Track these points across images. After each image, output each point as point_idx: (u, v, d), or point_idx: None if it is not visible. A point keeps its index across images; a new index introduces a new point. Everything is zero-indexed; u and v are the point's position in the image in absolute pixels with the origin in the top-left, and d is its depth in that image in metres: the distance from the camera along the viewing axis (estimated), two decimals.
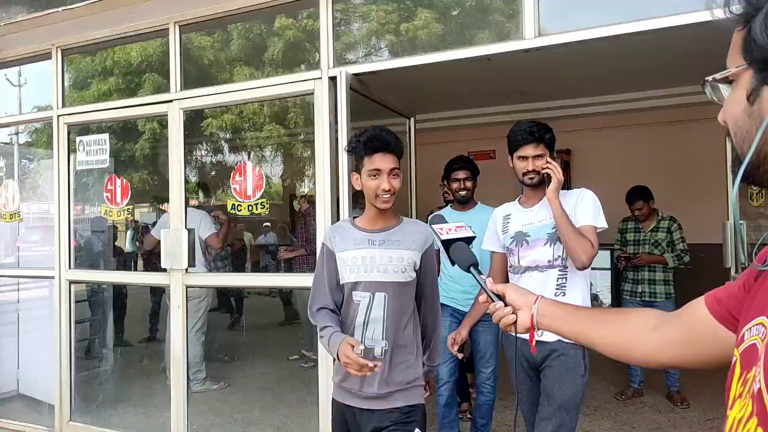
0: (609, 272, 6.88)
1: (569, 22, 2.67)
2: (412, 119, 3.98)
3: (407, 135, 3.79)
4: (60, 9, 3.43)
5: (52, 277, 3.96)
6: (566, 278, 2.30)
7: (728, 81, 0.76)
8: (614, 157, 7.37)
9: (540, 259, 2.31)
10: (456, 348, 2.55)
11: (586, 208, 2.30)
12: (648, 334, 1.01)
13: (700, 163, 6.24)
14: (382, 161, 1.92)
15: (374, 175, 1.93)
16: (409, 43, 3.21)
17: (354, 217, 2.14)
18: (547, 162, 2.33)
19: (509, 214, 2.47)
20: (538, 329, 1.15)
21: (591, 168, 7.70)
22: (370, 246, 1.99)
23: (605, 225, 2.32)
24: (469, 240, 1.39)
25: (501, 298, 1.21)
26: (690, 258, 4.36)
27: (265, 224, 8.83)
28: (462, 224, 1.43)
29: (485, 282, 1.26)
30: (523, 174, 2.35)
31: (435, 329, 2.15)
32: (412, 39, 3.19)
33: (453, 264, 1.37)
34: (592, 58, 4.85)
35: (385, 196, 1.93)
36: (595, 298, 6.94)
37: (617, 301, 6.69)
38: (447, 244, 1.36)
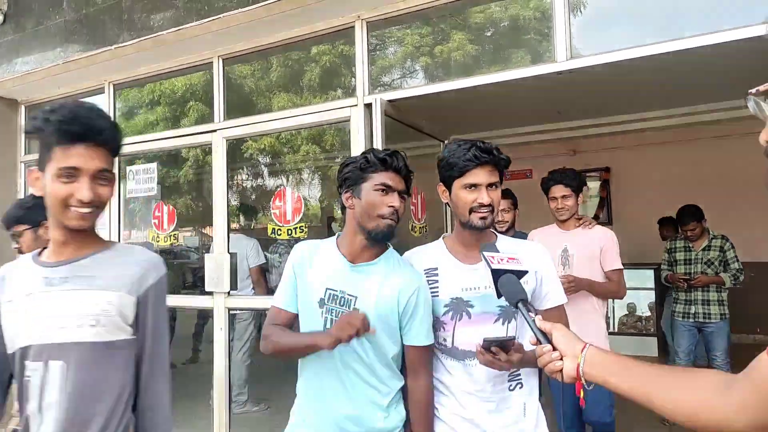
0: (653, 292, 6.70)
1: (602, 41, 2.67)
2: (446, 142, 4.02)
3: None
4: (112, 47, 3.65)
5: None
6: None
7: None
8: (655, 175, 7.23)
9: None
10: None
11: (555, 279, 1.75)
12: (717, 398, 0.89)
13: (746, 179, 6.05)
14: (83, 156, 1.26)
15: (69, 176, 1.25)
16: (443, 66, 3.27)
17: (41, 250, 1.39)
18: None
19: (435, 268, 1.73)
20: (586, 381, 1.05)
21: (631, 186, 7.55)
22: (45, 287, 1.28)
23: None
24: (520, 273, 1.33)
25: (549, 339, 1.13)
26: None
27: None
28: (515, 256, 1.38)
29: (534, 320, 1.18)
30: (472, 210, 1.64)
31: None
32: (446, 61, 3.24)
33: (499, 296, 1.31)
34: (629, 75, 4.81)
35: (83, 210, 1.26)
36: (639, 320, 6.75)
37: (659, 322, 6.49)
38: (497, 274, 1.31)
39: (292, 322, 1.79)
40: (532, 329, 1.16)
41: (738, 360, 4.32)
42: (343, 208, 1.78)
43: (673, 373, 1.00)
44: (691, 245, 4.36)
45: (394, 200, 1.68)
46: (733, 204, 5.95)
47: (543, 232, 3.30)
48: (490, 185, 1.64)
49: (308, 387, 1.78)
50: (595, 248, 3.07)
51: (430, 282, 1.72)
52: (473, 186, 1.64)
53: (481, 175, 1.64)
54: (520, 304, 1.24)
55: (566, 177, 3.15)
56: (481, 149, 1.63)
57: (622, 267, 3.06)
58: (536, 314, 1.20)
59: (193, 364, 6.24)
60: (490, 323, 1.64)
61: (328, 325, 1.69)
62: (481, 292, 1.66)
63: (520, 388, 1.70)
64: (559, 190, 3.16)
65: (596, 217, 7.96)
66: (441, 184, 1.74)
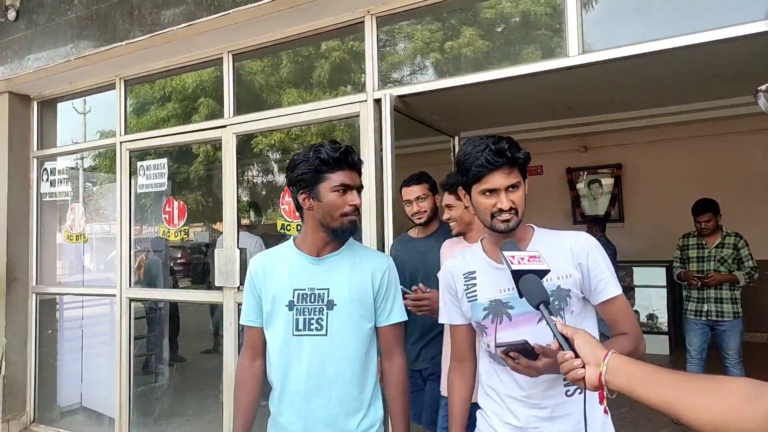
0: (665, 290, 6.64)
1: (614, 37, 2.64)
2: (457, 138, 4.00)
3: (452, 154, 3.81)
4: (123, 43, 3.67)
5: (114, 295, 4.16)
6: None
7: None
8: (667, 171, 7.16)
9: None
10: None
11: (606, 269, 1.56)
12: (747, 408, 0.86)
13: (759, 175, 5.99)
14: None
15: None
16: (453, 61, 3.25)
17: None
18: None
19: (473, 272, 1.66)
20: (610, 390, 1.03)
21: (643, 182, 7.49)
22: None
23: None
24: (542, 273, 1.27)
25: (571, 345, 1.10)
26: None
27: None
28: (536, 254, 1.32)
29: (556, 324, 1.14)
30: (493, 216, 1.55)
31: None
32: (457, 57, 3.22)
33: (521, 296, 1.27)
34: (641, 70, 4.76)
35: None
36: (651, 317, 6.70)
37: (674, 320, 6.44)
38: (517, 274, 1.26)
39: (263, 335, 1.82)
40: (553, 334, 1.13)
41: (750, 359, 4.29)
42: (299, 207, 1.76)
43: (699, 381, 0.97)
44: (704, 242, 4.30)
45: (354, 198, 1.71)
46: (746, 201, 5.88)
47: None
48: (509, 187, 1.53)
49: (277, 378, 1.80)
50: None
51: (468, 286, 1.65)
52: (491, 191, 1.54)
53: (497, 180, 1.53)
54: (541, 307, 1.19)
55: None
56: (495, 152, 1.51)
57: None
58: (557, 318, 1.18)
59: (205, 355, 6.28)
60: (532, 324, 1.51)
61: (300, 326, 1.71)
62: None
63: (580, 393, 1.51)
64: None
65: (608, 215, 7.90)
66: (461, 188, 1.65)
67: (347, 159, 1.70)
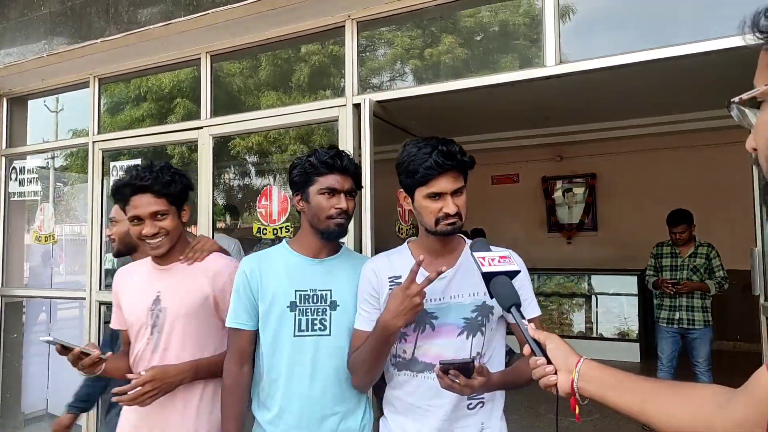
0: (636, 298, 6.76)
1: (591, 48, 2.68)
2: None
3: None
4: (99, 41, 3.59)
5: (83, 298, 4.06)
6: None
7: (756, 103, 0.73)
8: (641, 181, 7.31)
9: (448, 355, 1.53)
10: None
11: (530, 289, 1.63)
12: (716, 414, 0.87)
13: (727, 187, 6.15)
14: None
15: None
16: (432, 68, 3.27)
17: None
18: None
19: (399, 276, 1.60)
20: (581, 397, 1.03)
21: (617, 192, 7.63)
22: None
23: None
24: (512, 274, 1.25)
25: (543, 350, 1.08)
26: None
27: None
28: (507, 254, 1.30)
29: (527, 328, 1.12)
30: (438, 220, 1.52)
31: None
32: (436, 64, 3.24)
33: (491, 298, 1.25)
34: (617, 81, 4.85)
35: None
36: (622, 325, 6.80)
37: (645, 328, 6.56)
38: (488, 276, 1.23)
39: (254, 340, 1.78)
40: (525, 338, 1.11)
41: (718, 367, 4.39)
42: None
43: (670, 387, 0.98)
44: (678, 251, 4.40)
45: (340, 202, 1.72)
46: (716, 212, 6.03)
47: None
48: (455, 192, 1.53)
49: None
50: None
51: (393, 287, 1.58)
52: (438, 195, 1.52)
53: (445, 183, 1.51)
54: (513, 309, 1.17)
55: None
56: (444, 154, 1.49)
57: None
58: (528, 323, 1.13)
59: None
60: (453, 336, 1.55)
61: (303, 327, 1.70)
62: (446, 302, 1.57)
63: (481, 407, 1.60)
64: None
65: (581, 223, 8.02)
66: (402, 191, 1.61)
67: (336, 163, 1.72)
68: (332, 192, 1.72)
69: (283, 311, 1.71)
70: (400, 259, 1.66)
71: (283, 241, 1.86)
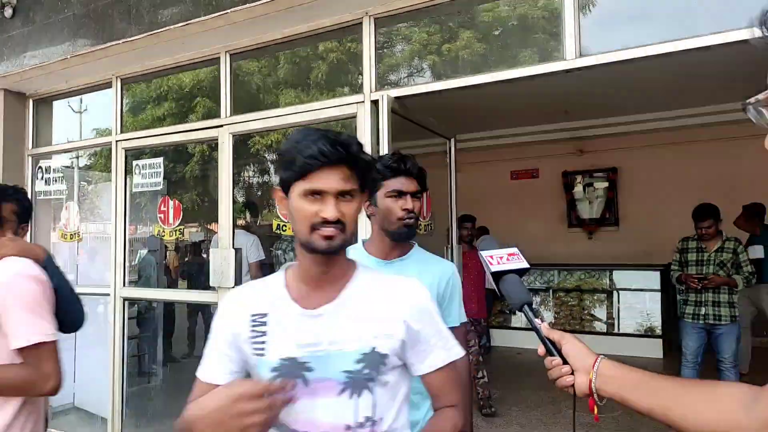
0: (659, 294, 6.66)
1: (611, 41, 2.65)
2: (453, 140, 4.01)
3: (447, 156, 3.82)
4: (121, 41, 3.66)
5: (108, 294, 4.14)
6: None
7: None
8: (662, 175, 7.19)
9: (325, 419, 1.16)
10: None
11: (442, 329, 1.29)
12: (743, 414, 0.84)
13: (750, 181, 6.02)
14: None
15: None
16: (450, 64, 3.26)
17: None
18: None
19: (264, 314, 1.23)
20: (600, 397, 0.99)
21: (639, 186, 7.52)
22: None
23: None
24: (521, 271, 1.20)
25: (558, 349, 1.05)
26: None
27: None
28: (515, 251, 1.23)
29: (540, 327, 1.08)
30: (314, 228, 1.15)
31: None
32: (454, 59, 3.23)
33: (502, 298, 1.20)
34: (637, 74, 4.78)
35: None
36: (645, 320, 6.72)
37: (668, 323, 6.46)
38: (497, 276, 1.19)
39: None
40: (539, 338, 1.07)
41: (753, 363, 4.31)
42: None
43: (693, 386, 0.95)
44: (704, 246, 4.30)
45: (407, 203, 1.81)
46: (739, 206, 5.90)
47: None
48: (342, 194, 1.14)
49: None
50: None
51: (255, 334, 1.20)
52: (317, 194, 1.13)
53: (329, 180, 1.13)
54: (525, 308, 1.14)
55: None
56: (333, 142, 1.12)
57: None
58: (541, 322, 1.09)
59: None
60: (332, 394, 1.15)
61: None
62: (324, 348, 1.16)
63: None
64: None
65: (603, 218, 7.92)
66: (278, 188, 1.23)
67: (401, 166, 1.83)
68: (399, 194, 1.83)
69: None
70: (268, 291, 1.26)
71: (360, 242, 1.99)
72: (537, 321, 1.10)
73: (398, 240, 1.87)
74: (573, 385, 1.02)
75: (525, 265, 1.20)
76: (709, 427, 0.88)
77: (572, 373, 1.03)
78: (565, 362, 1.04)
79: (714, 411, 0.88)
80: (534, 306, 1.11)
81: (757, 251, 5.09)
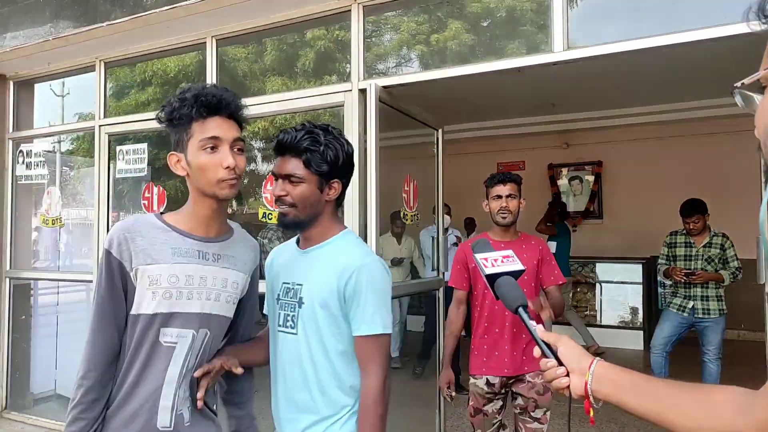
0: (641, 286, 6.75)
1: (599, 34, 2.66)
2: (440, 131, 4.00)
3: (435, 147, 3.82)
4: (104, 24, 3.59)
5: (90, 282, 4.09)
6: None
7: (761, 88, 0.71)
8: (647, 169, 7.26)
9: None
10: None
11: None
12: (741, 420, 0.84)
13: (734, 176, 6.10)
14: (221, 127, 1.38)
15: (212, 147, 1.36)
16: (438, 54, 3.24)
17: (162, 213, 1.52)
18: None
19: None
20: (595, 399, 0.99)
21: (623, 180, 7.59)
22: (200, 260, 1.43)
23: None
24: (517, 274, 1.20)
25: (554, 351, 1.05)
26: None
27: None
28: (510, 254, 1.24)
29: (536, 329, 1.09)
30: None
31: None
32: (442, 50, 3.22)
33: (497, 299, 1.20)
34: (625, 68, 4.81)
35: (231, 179, 1.38)
36: (627, 313, 6.81)
37: (650, 316, 6.56)
38: (492, 278, 1.19)
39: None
40: (535, 340, 1.08)
41: (725, 355, 4.38)
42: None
43: (690, 391, 0.94)
44: (692, 241, 4.33)
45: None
46: (723, 201, 5.97)
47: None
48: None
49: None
50: None
51: None
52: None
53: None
54: (520, 310, 1.13)
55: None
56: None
57: None
58: (536, 324, 1.09)
59: None
60: None
61: (281, 322, 1.57)
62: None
63: None
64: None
65: (587, 211, 8.00)
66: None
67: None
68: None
69: (273, 303, 1.65)
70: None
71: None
72: (532, 323, 1.09)
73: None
74: (569, 387, 1.01)
75: (520, 267, 1.20)
76: (705, 431, 0.88)
77: (568, 375, 1.02)
78: (560, 364, 1.04)
79: (710, 417, 0.88)
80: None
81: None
